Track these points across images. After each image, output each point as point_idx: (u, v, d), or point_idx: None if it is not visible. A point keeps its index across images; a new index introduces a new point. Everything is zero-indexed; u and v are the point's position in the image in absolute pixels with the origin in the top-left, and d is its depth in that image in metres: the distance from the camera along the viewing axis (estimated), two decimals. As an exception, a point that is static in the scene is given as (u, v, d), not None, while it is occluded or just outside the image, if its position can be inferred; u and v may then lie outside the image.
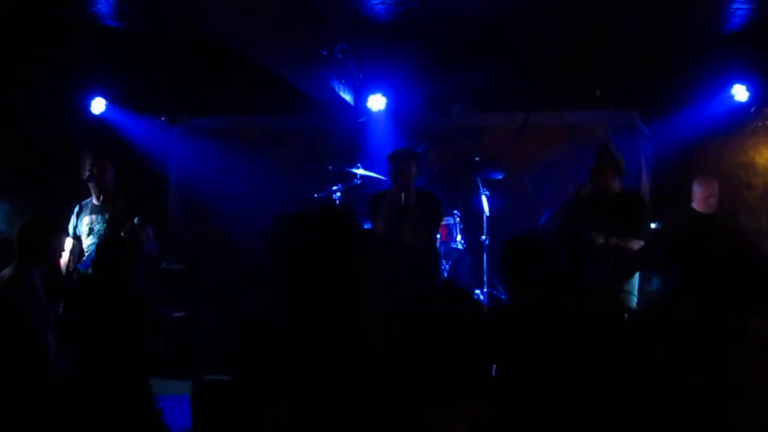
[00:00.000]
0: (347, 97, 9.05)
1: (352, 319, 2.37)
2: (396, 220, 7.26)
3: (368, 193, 8.19)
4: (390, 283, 7.11)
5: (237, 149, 10.04)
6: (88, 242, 6.93)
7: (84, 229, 6.98)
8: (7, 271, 5.36)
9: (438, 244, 7.94)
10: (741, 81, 8.90)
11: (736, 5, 7.42)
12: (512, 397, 3.86)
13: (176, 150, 10.16)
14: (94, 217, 7.02)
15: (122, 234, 6.40)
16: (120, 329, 4.83)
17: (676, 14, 7.59)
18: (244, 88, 9.16)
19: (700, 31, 8.17)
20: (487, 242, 8.57)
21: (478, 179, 8.75)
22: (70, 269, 6.56)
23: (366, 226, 7.80)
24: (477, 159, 8.93)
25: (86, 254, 6.81)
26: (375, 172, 8.50)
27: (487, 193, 8.68)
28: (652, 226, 7.42)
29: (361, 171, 8.60)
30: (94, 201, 7.08)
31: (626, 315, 4.44)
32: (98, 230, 6.94)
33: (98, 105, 9.51)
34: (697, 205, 8.19)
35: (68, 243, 6.41)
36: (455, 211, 8.51)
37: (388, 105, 9.29)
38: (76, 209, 7.07)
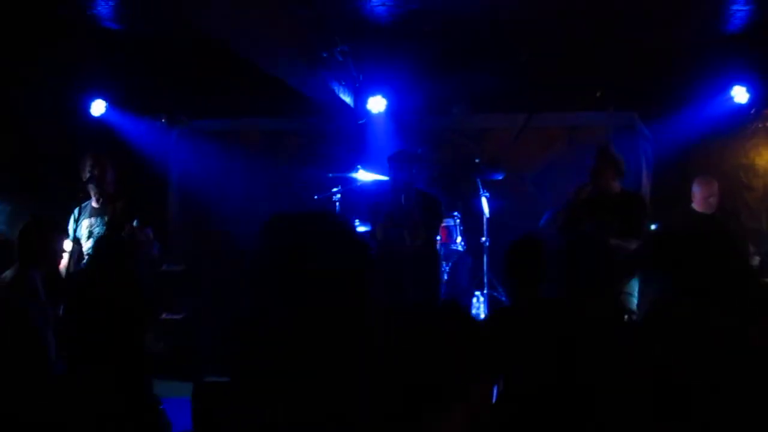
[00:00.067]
0: (347, 98, 9.05)
1: (351, 320, 2.37)
2: (396, 222, 7.27)
3: (368, 195, 8.20)
4: (390, 285, 7.14)
5: (237, 151, 10.04)
6: (87, 245, 6.92)
7: (84, 232, 6.98)
8: (8, 273, 5.36)
9: (438, 245, 7.95)
10: (741, 82, 8.91)
11: (736, 6, 7.43)
12: (512, 398, 3.87)
13: (176, 152, 10.16)
14: (93, 219, 7.02)
15: (122, 236, 6.40)
16: (120, 330, 4.83)
17: (676, 15, 7.60)
18: (244, 89, 9.16)
19: (700, 32, 8.18)
20: (487, 244, 8.57)
21: (478, 181, 8.74)
22: (70, 272, 6.56)
23: (365, 228, 7.82)
24: (477, 161, 8.93)
25: (86, 257, 6.80)
26: (375, 174, 8.51)
27: (487, 194, 8.68)
28: (652, 227, 7.42)
29: (361, 173, 8.61)
30: (94, 203, 7.07)
31: (626, 316, 4.45)
32: (98, 233, 6.93)
33: (98, 107, 9.51)
34: (697, 205, 8.19)
35: (68, 245, 6.41)
36: (455, 213, 8.52)
37: (388, 107, 9.30)
38: (76, 212, 7.06)
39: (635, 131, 9.54)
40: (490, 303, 8.50)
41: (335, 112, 9.34)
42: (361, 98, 9.31)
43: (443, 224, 8.10)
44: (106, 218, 6.96)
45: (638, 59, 8.52)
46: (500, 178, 8.89)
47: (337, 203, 8.53)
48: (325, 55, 7.76)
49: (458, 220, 8.50)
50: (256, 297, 2.40)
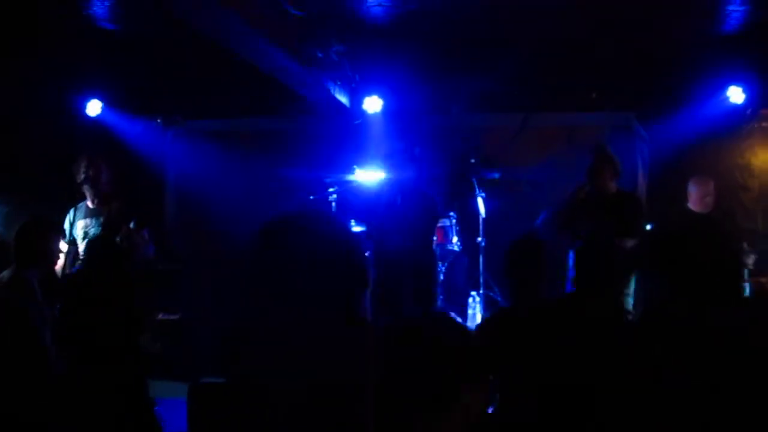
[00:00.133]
0: (343, 99, 9.05)
1: (346, 321, 2.36)
2: (393, 222, 7.27)
3: (364, 195, 8.20)
4: (387, 286, 7.13)
5: (233, 151, 10.03)
6: (83, 246, 6.91)
7: (79, 232, 6.97)
8: (5, 274, 5.36)
9: (434, 245, 7.94)
10: (737, 83, 8.91)
11: (732, 7, 7.43)
12: (513, 398, 3.87)
13: (172, 152, 10.16)
14: (88, 220, 7.01)
15: (118, 238, 6.39)
16: (115, 331, 4.83)
17: (672, 16, 7.60)
18: (240, 90, 9.16)
19: (697, 32, 8.17)
20: (484, 244, 8.56)
21: (475, 181, 8.74)
22: (66, 272, 6.56)
23: (361, 228, 7.82)
24: (473, 161, 8.92)
25: (81, 257, 6.80)
26: (371, 174, 8.50)
27: (483, 194, 8.68)
28: (648, 227, 7.43)
29: (357, 173, 8.60)
30: (89, 204, 7.07)
31: (625, 317, 4.46)
32: (93, 233, 6.93)
33: (94, 107, 9.50)
34: (693, 204, 8.18)
35: (63, 246, 6.41)
36: (451, 213, 8.51)
37: (385, 107, 9.29)
38: (71, 213, 7.05)
39: (632, 131, 9.55)
40: (486, 303, 8.50)
41: (331, 113, 9.33)
42: (357, 98, 9.32)
43: (439, 224, 8.09)
44: (101, 219, 6.96)
45: (635, 60, 8.52)
46: (496, 176, 8.89)
47: (334, 203, 8.53)
48: (321, 55, 7.76)
49: (454, 221, 8.50)
50: (253, 298, 2.40)
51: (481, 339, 4.08)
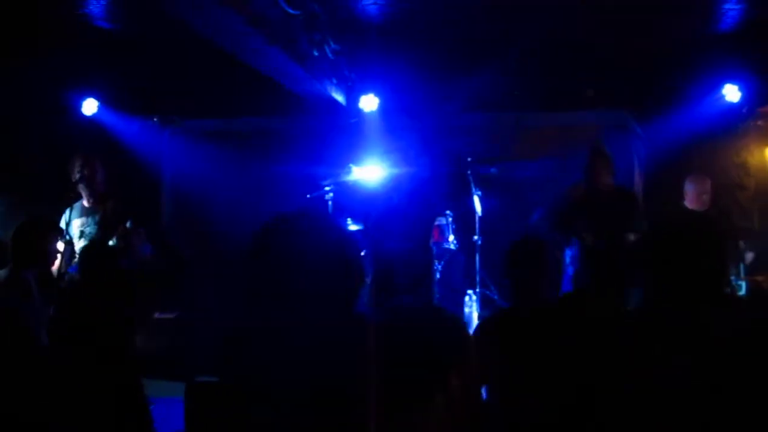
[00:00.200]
0: (339, 97, 9.04)
1: (345, 318, 2.37)
2: (389, 221, 7.27)
3: (360, 193, 8.20)
4: (382, 284, 7.13)
5: (230, 150, 10.02)
6: (79, 245, 6.91)
7: (75, 232, 6.97)
8: (1, 273, 5.35)
9: (431, 244, 7.94)
10: (733, 81, 8.91)
11: (728, 5, 7.43)
12: (512, 398, 3.86)
13: (169, 152, 10.15)
14: (84, 219, 7.00)
15: (115, 237, 6.39)
16: (111, 330, 4.82)
17: (668, 15, 7.60)
18: (236, 89, 9.15)
19: (693, 31, 8.18)
20: (480, 242, 8.56)
21: (471, 179, 8.74)
22: (62, 272, 6.55)
23: (358, 227, 7.82)
24: (469, 159, 8.93)
25: (77, 257, 6.79)
26: (367, 173, 8.50)
27: (480, 193, 8.68)
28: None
29: (353, 171, 8.60)
30: (85, 203, 7.06)
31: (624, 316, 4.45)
32: (89, 233, 6.92)
33: (90, 106, 9.48)
34: (689, 202, 8.19)
35: (60, 246, 6.41)
36: (447, 212, 8.51)
37: (381, 105, 9.29)
38: (67, 212, 7.04)
39: (628, 130, 9.56)
40: (483, 301, 8.51)
41: (327, 111, 9.33)
42: (353, 97, 9.31)
43: (436, 223, 8.09)
44: (97, 218, 6.95)
45: (631, 58, 8.53)
46: (494, 171, 8.89)
47: (330, 202, 8.52)
48: (316, 54, 7.75)
49: (451, 219, 8.50)
50: (251, 298, 2.40)
51: (480, 338, 4.08)
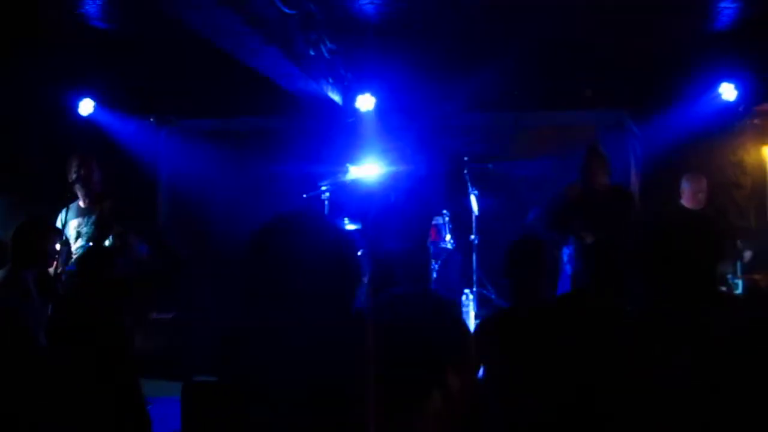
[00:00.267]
0: (336, 97, 9.05)
1: (343, 318, 2.37)
2: (387, 220, 7.27)
3: (357, 193, 8.20)
4: (380, 284, 7.14)
5: (226, 150, 10.02)
6: (76, 245, 6.90)
7: (71, 232, 6.96)
8: (1, 273, 5.35)
9: (428, 243, 7.95)
10: (729, 80, 8.92)
11: (723, 4, 7.44)
12: (512, 398, 3.87)
13: (166, 151, 10.15)
14: (81, 219, 7.00)
15: (111, 237, 6.39)
16: (109, 331, 4.82)
17: (665, 14, 7.61)
18: (233, 89, 9.15)
19: (689, 30, 8.18)
20: (477, 242, 8.58)
21: (468, 179, 8.75)
22: (59, 272, 6.55)
23: (355, 227, 7.82)
24: (466, 159, 8.94)
25: (74, 257, 6.78)
26: (364, 172, 8.50)
27: (476, 192, 8.69)
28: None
29: (350, 171, 8.60)
30: (81, 204, 7.05)
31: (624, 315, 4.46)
32: (86, 233, 6.91)
33: (87, 106, 9.47)
34: (686, 201, 8.19)
35: (57, 246, 6.41)
36: (444, 211, 8.52)
37: (377, 105, 9.30)
38: (63, 212, 7.03)
39: (624, 129, 9.57)
40: (480, 301, 8.52)
41: (324, 111, 9.33)
42: (349, 96, 9.31)
43: (433, 222, 8.10)
44: (93, 218, 6.94)
45: (627, 58, 8.53)
46: (490, 167, 8.91)
47: (326, 202, 8.52)
48: (313, 53, 7.75)
49: (447, 218, 8.51)
50: (249, 298, 2.40)
51: (480, 338, 4.08)
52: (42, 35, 8.02)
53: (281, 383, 2.24)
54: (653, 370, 2.87)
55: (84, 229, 6.95)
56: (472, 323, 7.61)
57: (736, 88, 8.93)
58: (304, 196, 8.62)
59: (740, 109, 9.27)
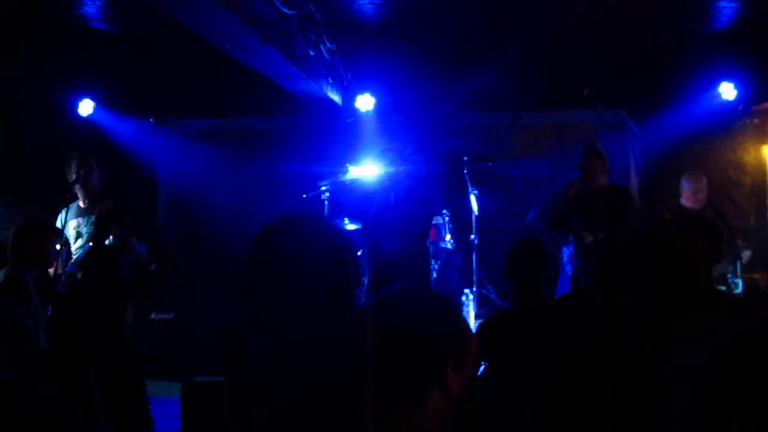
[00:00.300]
0: (335, 97, 9.04)
1: (343, 318, 2.37)
2: (386, 220, 7.27)
3: (357, 193, 8.20)
4: (379, 284, 7.13)
5: (225, 150, 10.02)
6: (76, 246, 6.90)
7: (71, 232, 6.95)
8: (0, 274, 5.34)
9: (427, 243, 7.95)
10: (729, 79, 8.92)
11: (723, 3, 7.44)
12: (512, 398, 3.86)
13: (165, 151, 10.15)
14: (80, 220, 6.99)
15: (111, 237, 6.38)
16: (110, 331, 4.82)
17: (664, 13, 7.61)
18: (232, 89, 9.14)
19: (688, 29, 8.18)
20: (476, 242, 8.57)
21: (467, 178, 8.75)
22: (59, 272, 6.54)
23: (355, 227, 7.82)
24: (465, 159, 8.93)
25: (74, 257, 6.78)
26: (364, 173, 8.49)
27: (476, 192, 8.69)
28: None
29: (349, 171, 8.59)
30: (80, 204, 7.05)
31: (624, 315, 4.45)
32: (86, 233, 6.91)
33: (86, 107, 9.47)
34: (685, 200, 8.18)
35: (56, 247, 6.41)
36: (444, 211, 8.52)
37: (377, 105, 9.29)
38: (63, 213, 7.03)
39: (624, 129, 9.56)
40: (480, 300, 8.51)
41: (323, 111, 9.32)
42: (349, 96, 9.31)
43: (432, 222, 8.10)
44: (92, 218, 6.94)
45: (626, 57, 8.52)
46: (489, 165, 8.92)
47: (326, 202, 8.52)
48: (312, 53, 7.75)
49: (447, 218, 8.50)
50: (250, 300, 2.40)
51: (481, 338, 4.08)
52: (42, 35, 8.01)
53: (281, 383, 2.24)
54: (653, 370, 2.87)
55: (84, 230, 6.95)
56: (472, 323, 7.61)
57: (736, 87, 8.93)
58: (304, 196, 8.62)
59: (740, 108, 9.27)
